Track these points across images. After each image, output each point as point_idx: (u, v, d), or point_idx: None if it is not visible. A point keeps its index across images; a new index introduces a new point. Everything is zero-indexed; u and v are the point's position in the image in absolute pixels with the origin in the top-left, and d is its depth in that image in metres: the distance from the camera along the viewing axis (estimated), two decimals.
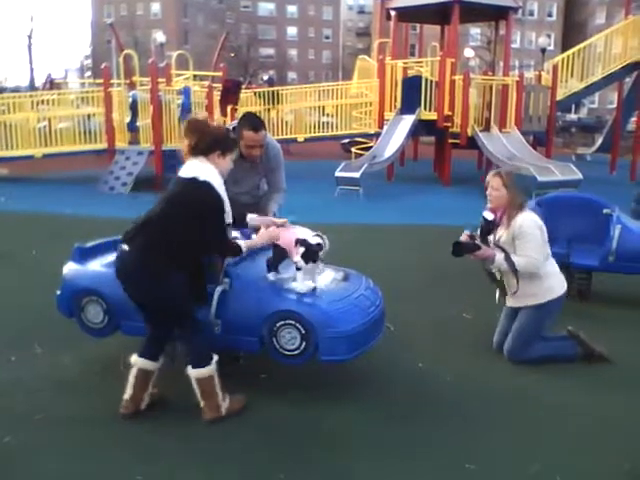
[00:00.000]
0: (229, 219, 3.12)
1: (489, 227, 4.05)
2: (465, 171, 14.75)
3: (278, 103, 15.15)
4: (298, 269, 3.34)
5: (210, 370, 3.16)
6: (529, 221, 3.90)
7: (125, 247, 3.09)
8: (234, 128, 3.89)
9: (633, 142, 15.50)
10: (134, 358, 3.24)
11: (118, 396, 3.25)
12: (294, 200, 9.06)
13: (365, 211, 10.11)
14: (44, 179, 13.28)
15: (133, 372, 3.22)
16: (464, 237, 4.05)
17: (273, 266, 3.46)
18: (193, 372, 3.15)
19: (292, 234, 3.41)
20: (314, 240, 3.30)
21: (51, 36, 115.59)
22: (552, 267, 4.01)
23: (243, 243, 3.22)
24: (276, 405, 3.38)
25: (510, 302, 4.08)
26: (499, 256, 3.91)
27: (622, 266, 5.14)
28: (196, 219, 3.00)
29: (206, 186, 3.02)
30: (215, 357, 3.18)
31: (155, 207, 3.12)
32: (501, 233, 4.00)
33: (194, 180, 3.03)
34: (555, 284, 3.97)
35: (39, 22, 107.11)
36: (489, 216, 4.07)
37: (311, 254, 3.27)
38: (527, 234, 3.87)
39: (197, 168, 3.07)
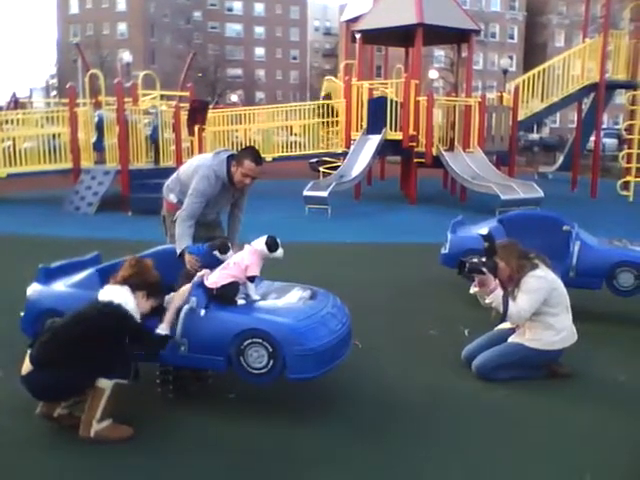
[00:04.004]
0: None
1: (491, 244, 4.06)
2: (431, 189, 14.98)
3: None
4: (251, 281, 3.52)
5: (108, 385, 3.11)
6: (533, 279, 4.00)
7: (31, 367, 3.12)
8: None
9: (592, 160, 15.94)
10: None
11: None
12: (263, 219, 9.16)
13: (333, 230, 10.19)
14: (8, 199, 13.05)
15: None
16: (474, 261, 4.08)
17: (231, 301, 3.47)
18: (102, 379, 3.12)
19: (231, 265, 3.54)
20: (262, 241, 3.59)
21: (16, 55, 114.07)
22: (566, 323, 4.08)
23: (163, 326, 3.33)
24: (245, 424, 3.37)
25: (510, 338, 4.14)
26: (499, 292, 3.98)
27: (582, 281, 5.30)
28: (111, 338, 3.14)
29: (117, 308, 3.18)
30: (122, 380, 3.14)
31: (67, 325, 3.17)
32: (513, 289, 4.07)
33: (109, 303, 3.19)
34: (560, 340, 4.05)
35: (3, 41, 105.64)
36: (483, 231, 4.12)
37: (273, 244, 3.58)
38: (527, 288, 3.98)
39: (117, 294, 3.24)
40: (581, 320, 4.19)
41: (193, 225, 4.09)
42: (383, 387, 3.94)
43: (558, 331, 4.04)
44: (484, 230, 4.15)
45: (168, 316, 3.38)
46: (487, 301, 4.07)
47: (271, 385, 3.39)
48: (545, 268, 4.10)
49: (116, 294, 3.26)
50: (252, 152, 4.20)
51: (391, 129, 13.44)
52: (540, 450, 3.21)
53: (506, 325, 4.25)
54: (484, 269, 3.99)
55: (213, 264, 3.63)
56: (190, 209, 4.08)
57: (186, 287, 3.51)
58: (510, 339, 4.15)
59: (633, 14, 16.66)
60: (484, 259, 4.04)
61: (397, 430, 3.38)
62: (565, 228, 5.56)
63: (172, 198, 4.37)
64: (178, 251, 3.99)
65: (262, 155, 4.35)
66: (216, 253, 3.72)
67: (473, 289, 4.14)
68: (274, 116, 15.57)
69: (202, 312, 3.38)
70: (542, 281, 4.02)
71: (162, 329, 3.34)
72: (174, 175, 4.46)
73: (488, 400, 3.76)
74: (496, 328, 4.33)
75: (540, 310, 4.01)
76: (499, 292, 3.99)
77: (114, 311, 3.18)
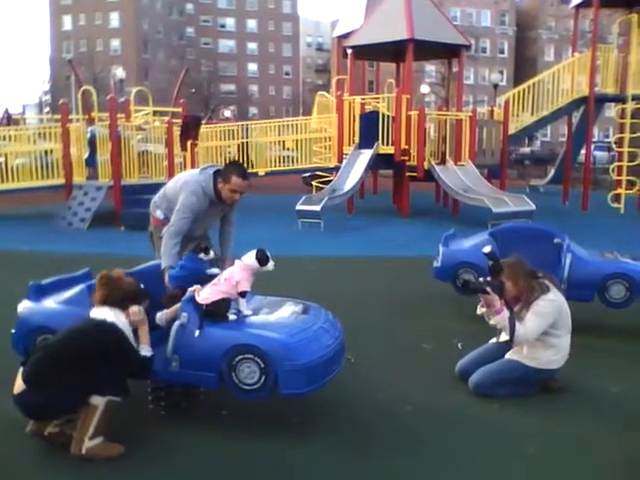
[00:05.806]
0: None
1: (496, 263, 4.00)
2: (423, 203, 15.04)
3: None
4: (243, 296, 3.49)
5: (101, 402, 3.09)
6: (546, 302, 3.96)
7: (24, 387, 3.09)
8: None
9: (583, 173, 16.04)
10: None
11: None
12: (256, 233, 9.17)
13: (326, 244, 10.20)
14: (0, 215, 13.02)
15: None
16: (479, 280, 4.04)
17: (222, 318, 3.46)
18: (94, 396, 3.11)
19: (222, 281, 3.51)
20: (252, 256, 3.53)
21: (9, 72, 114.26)
22: (565, 344, 4.07)
23: (146, 347, 3.30)
24: (238, 440, 3.35)
25: (508, 354, 4.11)
26: (505, 313, 3.93)
27: (574, 294, 5.29)
28: (105, 354, 3.12)
29: (112, 326, 3.18)
30: (114, 398, 3.12)
31: (60, 342, 3.16)
32: (520, 309, 4.03)
33: (103, 321, 3.20)
34: (557, 360, 4.04)
35: None
36: (486, 249, 4.08)
37: (264, 258, 3.52)
38: (538, 310, 3.94)
39: (107, 314, 3.25)
40: (573, 332, 4.19)
41: (179, 243, 4.05)
42: (377, 401, 3.92)
43: (558, 351, 4.03)
44: (487, 248, 4.10)
45: (144, 335, 3.35)
46: (492, 322, 4.04)
47: (264, 401, 3.37)
48: (555, 290, 4.06)
49: (106, 314, 3.25)
50: (237, 167, 4.16)
51: (383, 143, 13.51)
52: (536, 464, 3.18)
53: (501, 339, 4.21)
54: (488, 289, 3.93)
55: (201, 281, 3.61)
56: (177, 225, 4.06)
57: (178, 305, 3.49)
58: (507, 355, 4.12)
59: (621, 29, 16.85)
60: (488, 278, 3.99)
61: (393, 445, 3.36)
62: (556, 241, 5.58)
63: (159, 214, 4.36)
64: (162, 268, 3.99)
65: (255, 169, 4.36)
66: (202, 256, 3.78)
67: (480, 310, 4.12)
68: (267, 131, 15.62)
69: (196, 333, 3.35)
70: (554, 304, 3.99)
71: (145, 350, 3.30)
72: (161, 191, 4.44)
73: (482, 414, 3.75)
74: (490, 342, 4.31)
75: (545, 331, 3.98)
76: (505, 314, 3.93)
77: (109, 328, 3.17)
